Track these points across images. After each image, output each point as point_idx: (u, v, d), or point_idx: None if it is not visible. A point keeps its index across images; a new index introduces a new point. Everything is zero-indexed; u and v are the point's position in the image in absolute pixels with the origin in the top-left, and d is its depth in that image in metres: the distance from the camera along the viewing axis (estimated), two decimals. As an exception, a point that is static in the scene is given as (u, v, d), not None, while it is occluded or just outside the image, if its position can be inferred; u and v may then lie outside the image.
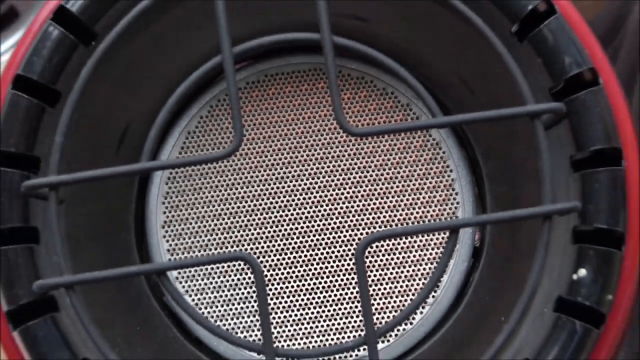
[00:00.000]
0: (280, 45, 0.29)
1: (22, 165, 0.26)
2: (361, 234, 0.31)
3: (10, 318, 0.26)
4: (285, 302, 0.31)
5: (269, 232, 0.32)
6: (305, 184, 0.31)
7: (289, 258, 0.31)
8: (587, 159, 0.26)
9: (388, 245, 0.31)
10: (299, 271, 0.31)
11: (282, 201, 0.32)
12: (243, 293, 0.32)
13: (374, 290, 0.31)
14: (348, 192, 0.32)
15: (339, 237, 0.31)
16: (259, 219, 0.32)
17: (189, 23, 0.30)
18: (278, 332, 0.31)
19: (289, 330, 0.31)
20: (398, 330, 0.31)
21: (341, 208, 0.31)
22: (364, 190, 0.32)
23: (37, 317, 0.26)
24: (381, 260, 0.31)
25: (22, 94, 0.27)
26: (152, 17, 0.28)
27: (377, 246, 0.32)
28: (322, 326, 0.31)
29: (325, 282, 0.31)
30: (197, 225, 0.32)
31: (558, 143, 0.27)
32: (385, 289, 0.31)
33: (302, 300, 0.31)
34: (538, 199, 0.25)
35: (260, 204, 0.32)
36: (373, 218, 0.32)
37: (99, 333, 0.25)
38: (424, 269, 0.31)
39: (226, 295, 0.32)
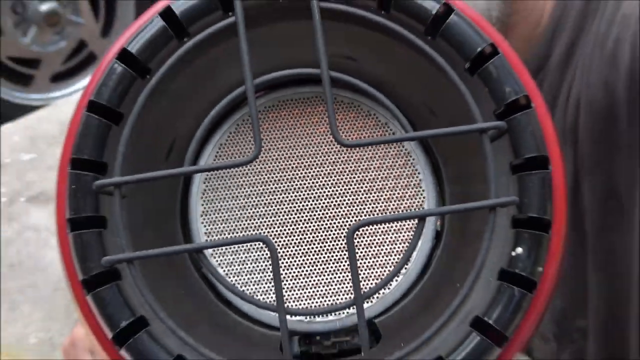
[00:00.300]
0: (290, 78, 0.29)
1: (93, 169, 0.26)
2: (351, 221, 0.31)
3: (84, 285, 0.26)
4: (294, 272, 0.31)
5: (281, 219, 0.31)
6: (309, 184, 0.31)
7: (296, 239, 0.31)
8: (522, 165, 0.26)
9: (371, 229, 0.31)
10: (303, 249, 0.31)
11: (291, 196, 0.31)
12: (262, 265, 0.31)
13: (360, 263, 0.31)
14: (341, 190, 0.31)
15: (334, 223, 0.31)
16: (274, 210, 0.32)
17: (220, 62, 0.30)
18: (288, 295, 0.31)
19: (296, 294, 0.31)
20: (379, 294, 0.31)
21: (335, 201, 0.31)
22: (353, 188, 0.31)
23: (104, 285, 0.26)
24: (366, 241, 0.31)
25: (94, 115, 0.27)
26: (191, 58, 0.28)
27: (363, 230, 0.31)
28: (321, 291, 0.31)
29: (324, 258, 0.31)
30: (227, 215, 0.32)
31: (500, 152, 0.26)
32: (369, 262, 0.31)
33: (306, 271, 0.31)
34: (485, 195, 0.25)
35: (275, 199, 0.32)
36: (360, 209, 0.31)
37: (153, 297, 0.25)
38: (399, 247, 0.31)
39: (249, 267, 0.32)
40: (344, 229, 0.31)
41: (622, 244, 0.57)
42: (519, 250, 0.25)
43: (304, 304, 0.31)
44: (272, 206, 0.31)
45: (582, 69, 0.54)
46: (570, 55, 0.55)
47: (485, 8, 0.50)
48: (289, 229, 0.31)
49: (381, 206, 0.31)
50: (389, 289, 0.31)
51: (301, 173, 0.31)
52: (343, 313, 0.31)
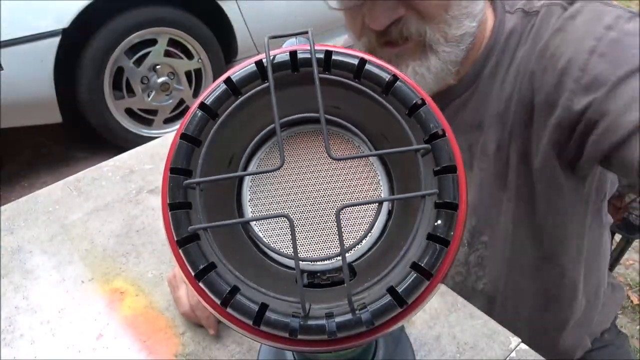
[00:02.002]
0: (301, 119, 0.28)
1: (183, 173, 0.26)
2: (338, 203, 0.30)
3: (177, 243, 0.25)
4: (304, 235, 0.30)
5: (296, 203, 0.31)
6: (312, 182, 0.30)
7: (305, 215, 0.30)
8: (440, 170, 0.25)
9: (350, 209, 0.30)
10: (310, 223, 0.30)
11: (302, 189, 0.31)
12: (285, 231, 0.31)
13: (343, 230, 0.30)
14: (331, 185, 0.31)
15: (327, 205, 0.30)
16: (292, 197, 0.31)
17: (260, 109, 0.29)
18: (300, 249, 0.30)
19: (305, 248, 0.30)
20: (355, 248, 0.30)
21: (328, 192, 0.30)
22: (339, 184, 0.31)
23: (190, 243, 0.25)
24: (347, 216, 0.30)
25: (184, 140, 0.26)
26: (242, 107, 0.27)
27: (345, 210, 0.30)
28: (320, 246, 0.30)
29: (321, 226, 0.30)
30: (264, 200, 0.31)
31: (427, 163, 0.26)
32: (348, 229, 0.30)
33: (311, 234, 0.30)
34: (418, 189, 0.24)
35: (292, 190, 0.31)
36: (342, 197, 0.30)
37: (219, 251, 0.24)
38: (366, 220, 0.30)
39: (277, 232, 0.31)
40: (333, 209, 0.30)
41: (526, 186, 0.58)
42: (439, 222, 0.24)
43: (310, 254, 0.30)
44: (290, 195, 0.31)
45: (516, 74, 0.54)
46: (495, 70, 0.56)
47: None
48: (300, 209, 0.30)
49: (355, 195, 0.30)
50: (360, 245, 0.30)
51: (308, 175, 0.31)
52: (333, 259, 0.30)
